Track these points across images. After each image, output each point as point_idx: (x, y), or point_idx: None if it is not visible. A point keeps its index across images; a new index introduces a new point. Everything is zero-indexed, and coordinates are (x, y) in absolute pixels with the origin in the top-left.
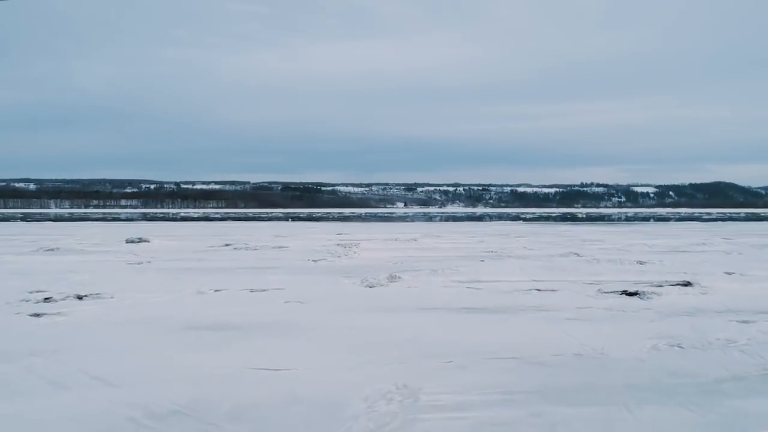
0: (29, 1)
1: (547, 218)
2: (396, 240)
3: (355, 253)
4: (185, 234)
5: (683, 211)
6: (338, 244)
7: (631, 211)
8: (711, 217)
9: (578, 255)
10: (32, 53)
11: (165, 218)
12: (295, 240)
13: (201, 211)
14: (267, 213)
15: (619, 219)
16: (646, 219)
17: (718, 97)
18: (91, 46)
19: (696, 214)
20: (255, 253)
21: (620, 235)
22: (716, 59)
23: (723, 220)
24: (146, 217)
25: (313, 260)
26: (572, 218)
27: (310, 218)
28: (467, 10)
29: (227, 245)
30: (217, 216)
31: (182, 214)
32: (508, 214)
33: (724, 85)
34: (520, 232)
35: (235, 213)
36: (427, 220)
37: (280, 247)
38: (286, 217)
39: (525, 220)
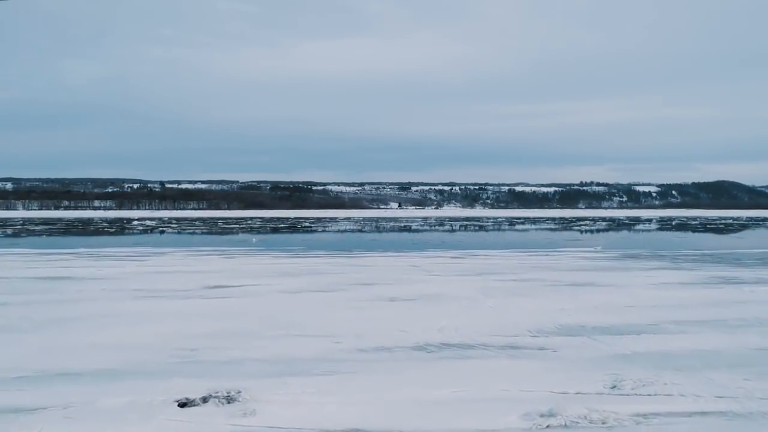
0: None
1: (634, 242)
2: None
3: None
4: None
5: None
6: None
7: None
8: None
9: None
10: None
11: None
12: None
13: (168, 214)
14: (244, 219)
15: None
16: None
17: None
18: (78, 44)
19: None
20: None
21: None
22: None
23: None
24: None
25: None
26: (645, 227)
27: (277, 229)
28: (456, 9)
29: None
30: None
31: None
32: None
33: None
34: None
35: (201, 217)
36: (443, 233)
37: None
38: (257, 228)
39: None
